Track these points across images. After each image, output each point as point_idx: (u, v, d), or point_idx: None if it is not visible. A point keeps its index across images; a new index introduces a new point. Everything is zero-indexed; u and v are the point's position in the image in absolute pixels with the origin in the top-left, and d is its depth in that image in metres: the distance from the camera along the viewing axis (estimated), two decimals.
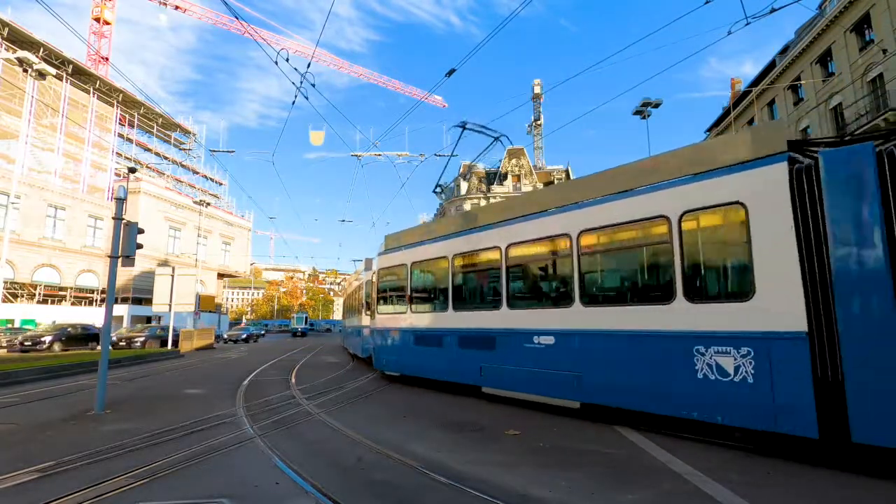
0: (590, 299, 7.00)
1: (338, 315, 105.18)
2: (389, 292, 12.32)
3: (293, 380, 12.00)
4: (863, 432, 4.36)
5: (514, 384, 8.11)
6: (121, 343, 24.74)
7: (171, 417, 7.20)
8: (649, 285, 6.46)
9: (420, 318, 10.78)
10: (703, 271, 5.83)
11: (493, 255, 8.74)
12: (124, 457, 5.12)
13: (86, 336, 24.44)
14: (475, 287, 9.59)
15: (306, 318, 66.71)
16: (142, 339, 25.43)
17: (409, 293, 11.31)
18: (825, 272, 4.74)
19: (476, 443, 5.82)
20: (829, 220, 4.77)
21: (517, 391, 8.07)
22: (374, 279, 13.37)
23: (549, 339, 7.47)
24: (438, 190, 13.78)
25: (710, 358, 5.47)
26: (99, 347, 22.93)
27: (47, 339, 22.58)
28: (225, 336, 39.18)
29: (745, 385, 5.14)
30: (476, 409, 8.04)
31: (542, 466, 4.83)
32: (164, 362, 18.25)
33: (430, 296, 10.74)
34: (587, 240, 7.06)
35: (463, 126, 11.91)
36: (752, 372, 5.11)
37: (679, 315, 5.79)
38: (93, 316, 33.26)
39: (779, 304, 4.99)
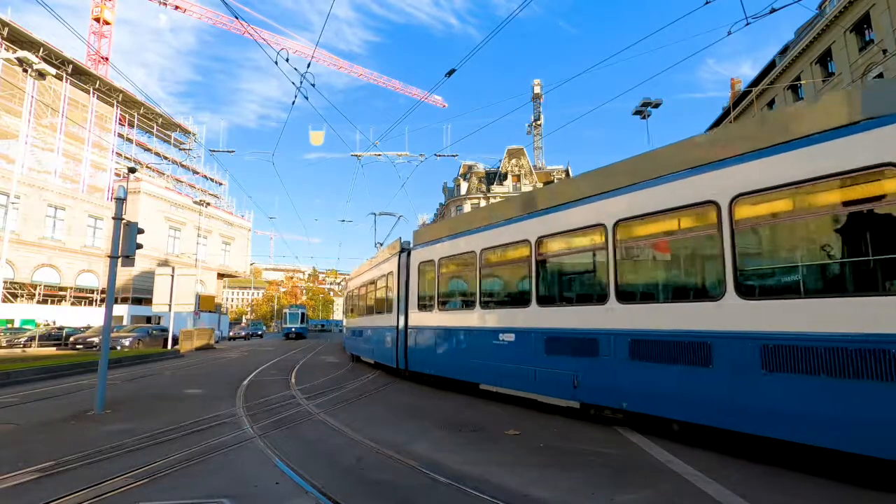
0: (366, 312, 15.86)
1: (338, 315, 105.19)
2: (350, 305, 21.16)
3: (293, 380, 12.02)
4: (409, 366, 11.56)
5: (370, 356, 15.24)
6: None
7: (171, 417, 7.20)
8: (381, 305, 14.08)
9: (357, 322, 18.48)
10: (386, 300, 13.22)
11: (369, 285, 16.14)
12: (124, 457, 5.12)
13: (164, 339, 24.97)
14: (364, 302, 16.96)
15: (303, 314, 49.59)
16: None
17: (352, 306, 20.19)
18: (405, 303, 11.72)
19: (476, 443, 5.83)
20: (401, 280, 12.06)
21: (373, 359, 15.01)
22: (345, 295, 25.13)
23: (370, 332, 15.26)
24: (380, 245, 19.66)
25: (385, 336, 13.05)
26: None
27: (127, 340, 22.04)
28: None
29: (390, 348, 12.47)
30: (476, 409, 8.06)
31: (542, 466, 4.84)
32: (163, 362, 18.24)
33: (360, 307, 17.85)
34: (365, 288, 16.10)
35: (375, 214, 21.68)
36: (391, 342, 12.47)
37: (384, 319, 13.30)
38: (93, 316, 33.28)
39: (399, 314, 11.98)
